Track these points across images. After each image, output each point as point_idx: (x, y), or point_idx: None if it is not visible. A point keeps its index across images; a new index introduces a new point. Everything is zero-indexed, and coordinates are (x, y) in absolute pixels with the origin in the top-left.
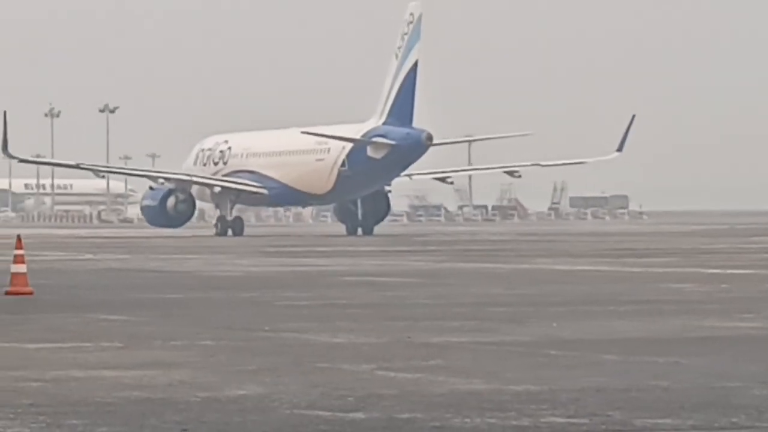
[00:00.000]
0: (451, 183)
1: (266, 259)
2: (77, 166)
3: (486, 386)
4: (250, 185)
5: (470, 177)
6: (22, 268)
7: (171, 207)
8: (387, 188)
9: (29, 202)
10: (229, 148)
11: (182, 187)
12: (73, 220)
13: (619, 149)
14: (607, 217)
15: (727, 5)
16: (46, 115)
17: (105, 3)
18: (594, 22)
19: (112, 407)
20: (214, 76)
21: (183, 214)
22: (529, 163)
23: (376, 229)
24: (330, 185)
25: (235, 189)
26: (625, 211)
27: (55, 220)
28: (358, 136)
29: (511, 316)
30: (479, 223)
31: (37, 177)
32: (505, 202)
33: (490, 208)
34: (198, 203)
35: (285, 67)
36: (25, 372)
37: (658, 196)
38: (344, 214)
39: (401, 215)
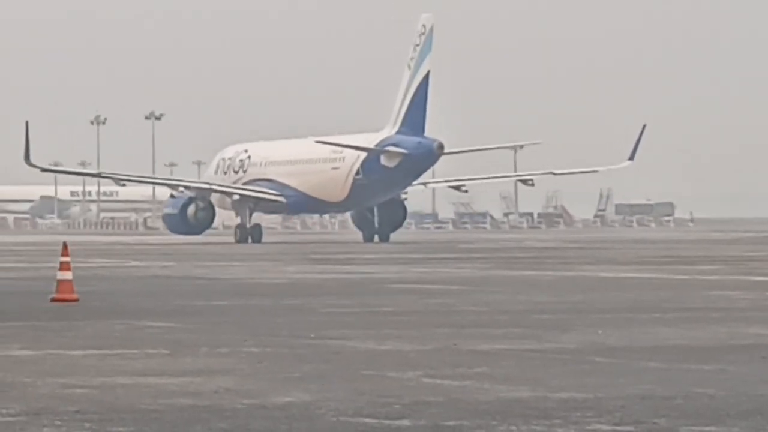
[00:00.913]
0: (465, 191)
1: (310, 266)
2: (98, 175)
3: (531, 394)
4: (268, 193)
5: (516, 185)
6: (68, 275)
7: (191, 215)
8: (403, 196)
9: (75, 209)
10: (249, 157)
11: (202, 195)
12: (118, 227)
13: (631, 158)
14: (653, 225)
15: (753, 3)
16: (92, 122)
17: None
18: (616, 26)
19: (157, 414)
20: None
21: (203, 222)
22: (541, 172)
23: (393, 236)
24: (345, 193)
25: (254, 197)
26: (671, 218)
27: (101, 227)
28: (372, 146)
29: (556, 323)
30: (525, 231)
31: (83, 184)
32: (551, 210)
33: (535, 215)
34: (218, 211)
35: (305, 76)
36: (71, 379)
37: (704, 203)
38: (361, 222)
39: (447, 222)
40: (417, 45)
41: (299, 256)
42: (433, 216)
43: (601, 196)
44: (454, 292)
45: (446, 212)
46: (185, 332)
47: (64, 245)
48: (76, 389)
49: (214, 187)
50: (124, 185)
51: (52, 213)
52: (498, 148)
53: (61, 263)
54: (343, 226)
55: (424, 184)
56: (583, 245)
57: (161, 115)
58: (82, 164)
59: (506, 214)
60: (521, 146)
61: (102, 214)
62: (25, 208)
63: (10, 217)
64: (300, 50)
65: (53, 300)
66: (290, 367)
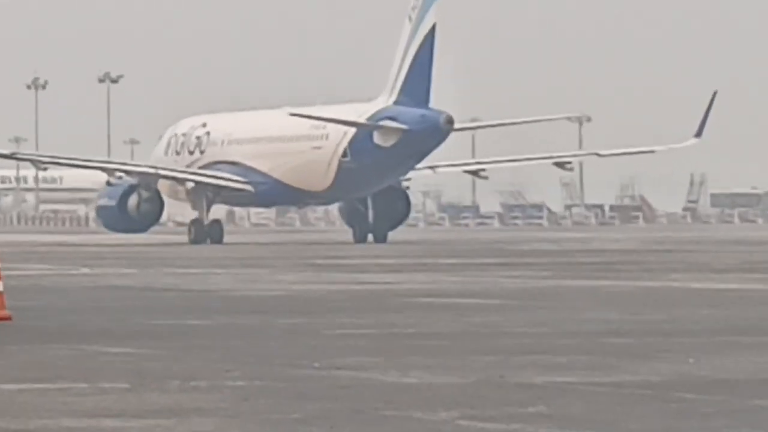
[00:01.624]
0: (486, 178)
1: (314, 274)
2: (12, 156)
3: None
4: (231, 180)
5: (582, 166)
6: None
7: (133, 207)
8: (405, 184)
9: (6, 200)
10: (207, 134)
11: (146, 182)
12: (63, 223)
13: (698, 134)
14: (760, 220)
15: None
16: (29, 86)
17: None
18: None
19: None
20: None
21: (147, 216)
22: (584, 152)
23: (408, 235)
24: (329, 180)
25: (213, 185)
26: None
27: (40, 222)
28: (362, 119)
29: (634, 348)
30: (593, 228)
31: (17, 168)
32: (626, 201)
33: (607, 208)
34: (168, 202)
35: (277, 32)
36: (3, 420)
37: None
38: (352, 217)
39: (491, 217)
40: None
41: (299, 262)
42: (474, 209)
43: (692, 183)
44: (501, 308)
45: (491, 204)
46: (150, 360)
47: None
48: None
49: (161, 171)
50: (45, 169)
51: None
52: (521, 122)
53: None
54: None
55: (432, 168)
56: (668, 247)
57: (118, 77)
58: (16, 141)
59: (568, 207)
60: (549, 120)
61: (41, 206)
62: None
63: None
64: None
65: None
66: (287, 405)
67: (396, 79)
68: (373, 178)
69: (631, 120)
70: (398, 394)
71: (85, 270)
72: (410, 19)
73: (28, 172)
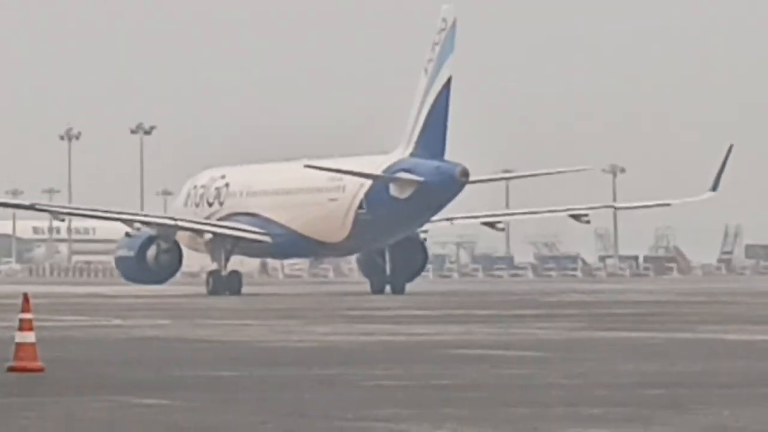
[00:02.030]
0: (502, 229)
1: (347, 326)
2: (32, 207)
3: None
4: (249, 231)
5: (615, 214)
6: (29, 336)
7: (152, 258)
8: (422, 235)
9: (39, 251)
10: (227, 185)
11: (165, 233)
12: (96, 275)
13: (714, 188)
14: None
15: None
16: (62, 137)
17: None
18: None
19: None
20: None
21: (166, 267)
22: (599, 205)
23: (438, 286)
24: (346, 231)
25: (232, 236)
26: None
27: (73, 274)
28: (379, 171)
29: (670, 400)
30: (627, 279)
31: (50, 219)
32: (661, 252)
33: (641, 259)
34: (187, 253)
35: (302, 86)
36: None
37: None
38: (369, 268)
39: (525, 268)
40: (436, 44)
41: (332, 313)
42: (508, 260)
43: (726, 234)
44: (535, 360)
45: (525, 255)
46: (185, 412)
47: (25, 298)
48: None
49: (179, 223)
50: (63, 220)
51: (10, 256)
52: (535, 175)
53: (22, 321)
54: (340, 273)
55: (450, 219)
56: (703, 298)
57: (151, 128)
58: (49, 191)
59: (603, 258)
60: (565, 173)
61: (74, 257)
62: None
63: None
64: (296, 52)
65: (11, 369)
66: None
67: (412, 131)
68: (389, 230)
69: (667, 170)
70: None
71: (118, 321)
72: (426, 71)
73: (62, 222)
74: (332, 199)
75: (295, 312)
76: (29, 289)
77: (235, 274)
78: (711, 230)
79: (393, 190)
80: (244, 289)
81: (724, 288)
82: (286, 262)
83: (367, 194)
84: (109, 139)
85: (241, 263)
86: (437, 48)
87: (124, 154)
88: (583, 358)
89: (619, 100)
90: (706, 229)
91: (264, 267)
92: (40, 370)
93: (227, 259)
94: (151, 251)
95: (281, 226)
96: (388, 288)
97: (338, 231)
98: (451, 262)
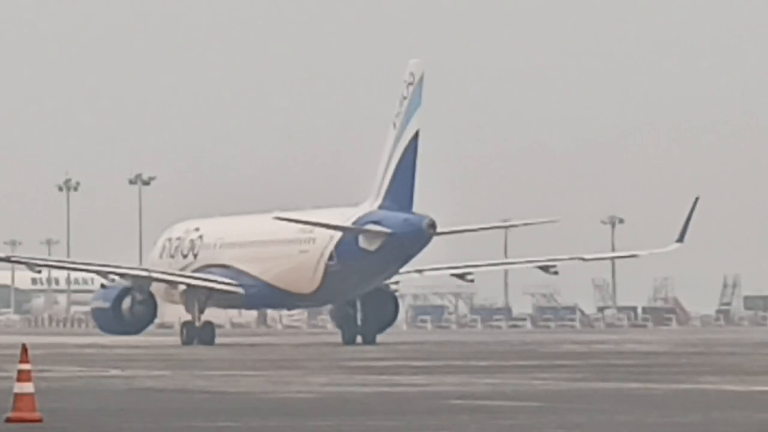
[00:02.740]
0: (471, 281)
1: (345, 376)
2: (7, 260)
3: None
4: (222, 283)
5: (614, 267)
6: (28, 387)
7: (126, 310)
8: (393, 286)
9: (38, 302)
10: (200, 237)
11: (140, 285)
12: (94, 325)
13: (680, 239)
14: None
15: None
16: (60, 188)
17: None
18: (642, 81)
19: None
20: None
21: (141, 318)
22: (568, 257)
23: (427, 336)
24: (317, 283)
25: (205, 287)
26: None
27: (72, 324)
28: (348, 223)
29: None
30: (626, 330)
31: (48, 269)
32: (659, 303)
33: (640, 310)
34: (163, 305)
35: (272, 141)
36: None
37: None
38: (341, 318)
39: (524, 319)
40: (404, 98)
41: (329, 363)
42: (506, 311)
43: (725, 285)
44: (533, 411)
45: (523, 306)
46: None
47: (24, 348)
48: None
49: (153, 275)
50: (39, 272)
51: (8, 306)
52: (503, 227)
53: (20, 372)
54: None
55: (419, 271)
56: (701, 349)
57: (150, 179)
58: (47, 242)
59: (601, 309)
60: (529, 225)
61: (73, 308)
62: None
63: None
64: (259, 102)
65: (9, 420)
66: None
67: (381, 184)
68: (359, 281)
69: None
70: None
71: (116, 372)
72: (394, 125)
73: (60, 273)
74: (303, 251)
75: (293, 363)
76: (28, 339)
77: (209, 325)
78: (709, 281)
79: (362, 242)
80: (218, 340)
81: (722, 339)
82: (284, 312)
83: (337, 246)
84: (107, 189)
85: (240, 314)
86: (405, 102)
87: (123, 205)
88: (581, 408)
89: (584, 153)
90: (703, 279)
91: (263, 318)
92: (39, 420)
93: (201, 310)
94: (126, 302)
95: (253, 277)
96: (359, 338)
97: (309, 282)
98: (450, 313)
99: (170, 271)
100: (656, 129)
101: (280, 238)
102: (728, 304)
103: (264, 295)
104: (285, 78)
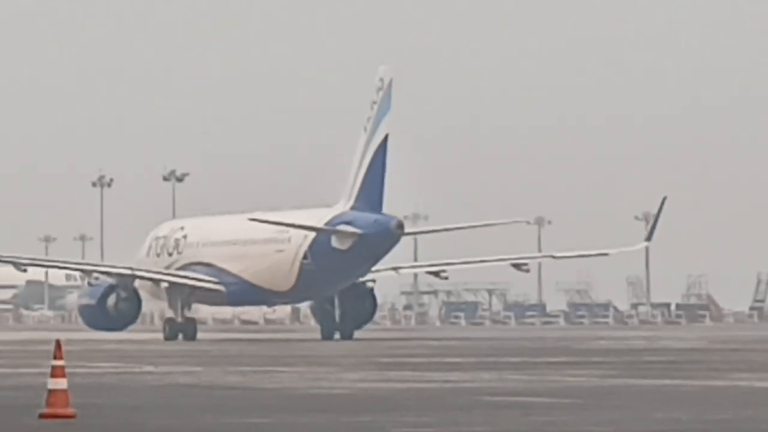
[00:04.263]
0: (446, 278)
1: (379, 373)
2: None
3: None
4: (203, 281)
5: (648, 264)
6: (62, 383)
7: (111, 306)
8: (370, 284)
9: (72, 298)
10: (185, 236)
11: (124, 282)
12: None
13: (648, 238)
14: None
15: None
16: (94, 184)
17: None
18: (617, 74)
19: None
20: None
21: (125, 315)
22: (540, 255)
23: (460, 333)
24: (292, 281)
25: (187, 285)
26: None
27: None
28: (321, 224)
29: None
30: (659, 327)
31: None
32: (693, 300)
33: (673, 306)
34: (150, 301)
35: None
36: None
37: None
38: (320, 315)
39: (557, 315)
40: (374, 102)
41: (363, 360)
42: (540, 308)
43: (758, 281)
44: (567, 408)
45: (557, 302)
46: None
47: (58, 345)
48: None
49: (137, 273)
50: (25, 271)
51: (42, 303)
52: (471, 227)
53: (54, 368)
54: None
55: (396, 269)
56: (735, 346)
57: (184, 175)
58: (81, 238)
59: (635, 305)
60: (497, 225)
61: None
62: (7, 296)
63: None
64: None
65: (43, 416)
66: None
67: (353, 186)
68: (332, 279)
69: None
70: None
71: (150, 368)
72: (365, 129)
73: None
74: (279, 251)
75: (327, 359)
76: (61, 335)
77: (191, 321)
78: (743, 278)
79: (334, 241)
80: (200, 335)
81: (756, 336)
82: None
83: (311, 246)
84: (141, 185)
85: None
86: (375, 107)
87: (157, 201)
88: (614, 405)
89: (553, 152)
90: (738, 276)
91: (296, 313)
92: (72, 416)
93: (183, 307)
94: (111, 299)
95: (233, 275)
96: (337, 334)
97: (285, 280)
98: (484, 310)
99: (156, 269)
100: (624, 126)
101: (258, 238)
102: (762, 300)
103: (244, 293)
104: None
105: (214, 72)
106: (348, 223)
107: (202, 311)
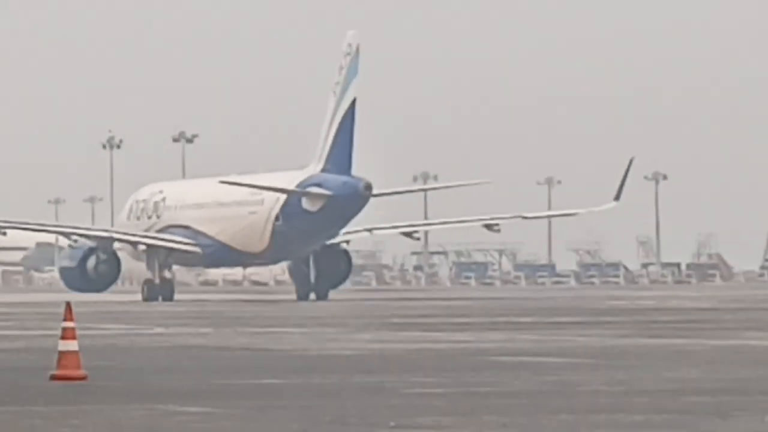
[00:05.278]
0: (418, 239)
1: (389, 333)
2: None
3: None
4: (180, 243)
5: (658, 224)
6: (72, 345)
7: (91, 268)
8: (344, 245)
9: None
10: (163, 200)
11: (103, 245)
12: (138, 283)
13: (617, 198)
14: None
15: None
16: (104, 146)
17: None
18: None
19: None
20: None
21: (105, 277)
22: (510, 216)
23: (469, 293)
24: (266, 242)
25: (165, 247)
26: None
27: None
28: (293, 186)
29: (711, 407)
30: (670, 286)
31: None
32: (703, 259)
33: (684, 266)
34: (132, 264)
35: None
36: None
37: None
38: (296, 275)
39: (567, 275)
40: (342, 67)
41: (374, 320)
42: (550, 268)
43: None
44: (578, 367)
45: (567, 263)
46: (225, 420)
47: (68, 306)
48: None
49: (115, 235)
50: (4, 234)
51: (52, 265)
52: (437, 188)
53: (64, 330)
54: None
55: (369, 230)
56: (745, 305)
57: (193, 136)
58: (91, 200)
59: (645, 265)
60: (464, 186)
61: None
62: (16, 258)
63: None
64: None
65: (53, 378)
66: None
67: (323, 149)
68: (303, 240)
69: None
70: None
71: (160, 329)
72: (334, 93)
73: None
74: (252, 212)
75: (338, 320)
76: (72, 297)
77: (168, 282)
78: (752, 237)
79: (305, 203)
80: (177, 297)
81: (766, 295)
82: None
83: (283, 207)
84: (150, 147)
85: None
86: (343, 71)
87: (166, 163)
88: (625, 365)
89: (521, 117)
90: (747, 235)
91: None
92: (83, 378)
93: (162, 269)
94: (91, 262)
95: (210, 237)
96: (313, 295)
97: (259, 242)
98: (494, 270)
99: (136, 231)
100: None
101: (232, 201)
102: None
103: (220, 254)
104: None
105: (223, 33)
106: (318, 185)
107: (212, 273)
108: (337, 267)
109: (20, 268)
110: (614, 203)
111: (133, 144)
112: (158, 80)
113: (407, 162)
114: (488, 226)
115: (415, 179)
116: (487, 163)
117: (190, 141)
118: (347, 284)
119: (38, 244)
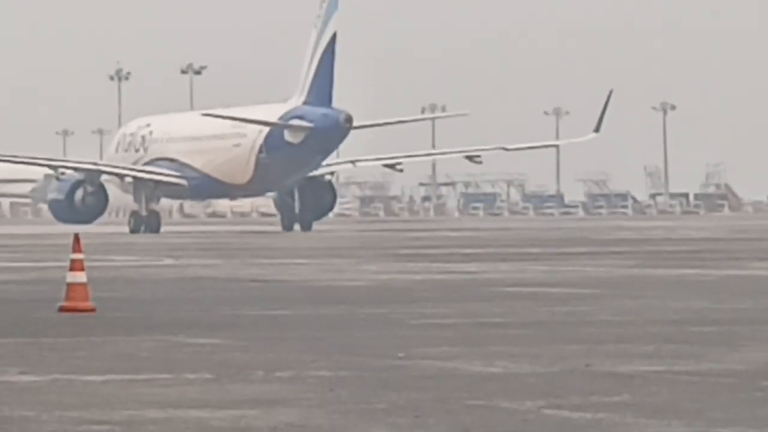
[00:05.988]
0: (401, 170)
1: (398, 264)
2: None
3: (688, 429)
4: (166, 175)
5: (666, 154)
6: (81, 276)
7: (79, 201)
8: (328, 177)
9: None
10: (151, 133)
11: (91, 177)
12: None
13: (596, 129)
14: None
15: None
16: (112, 78)
17: None
18: None
19: None
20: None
21: (92, 209)
22: (491, 147)
23: (481, 224)
24: (249, 174)
25: (151, 180)
26: None
27: (124, 213)
28: (275, 119)
29: (720, 337)
30: (678, 217)
31: (100, 157)
32: (712, 189)
33: (692, 196)
34: (121, 196)
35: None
36: (86, 412)
37: None
38: (281, 207)
39: (576, 206)
40: (323, 1)
41: (382, 252)
42: (558, 198)
43: None
44: (587, 297)
45: (575, 193)
46: (235, 350)
47: (76, 238)
48: (93, 425)
49: (102, 168)
50: None
51: None
52: (416, 120)
53: (73, 261)
54: (391, 212)
55: (353, 162)
56: (754, 235)
57: (201, 68)
58: (99, 131)
59: (653, 196)
60: (443, 117)
61: (127, 197)
62: (25, 190)
63: (6, 202)
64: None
65: (62, 309)
66: (371, 395)
67: (305, 81)
68: (286, 172)
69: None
70: (483, 384)
71: (169, 261)
72: (315, 26)
73: None
74: (236, 145)
75: (346, 251)
76: (80, 229)
77: (154, 214)
78: (761, 167)
79: (287, 135)
80: (163, 229)
81: None
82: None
83: (266, 140)
84: (158, 79)
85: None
86: (324, 5)
87: (174, 94)
88: (634, 295)
89: (495, 47)
90: (756, 165)
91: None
92: (92, 310)
93: (148, 201)
94: (79, 194)
95: (195, 170)
96: (297, 226)
97: (242, 174)
98: (502, 201)
99: (124, 164)
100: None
101: (217, 133)
102: None
103: (206, 186)
104: None
105: None
106: (299, 117)
107: (221, 205)
108: (321, 199)
109: (28, 200)
110: (593, 134)
111: (142, 76)
112: (166, 12)
113: (416, 94)
114: (470, 158)
115: (423, 110)
116: (495, 94)
117: (198, 72)
118: (330, 216)
119: (46, 176)
